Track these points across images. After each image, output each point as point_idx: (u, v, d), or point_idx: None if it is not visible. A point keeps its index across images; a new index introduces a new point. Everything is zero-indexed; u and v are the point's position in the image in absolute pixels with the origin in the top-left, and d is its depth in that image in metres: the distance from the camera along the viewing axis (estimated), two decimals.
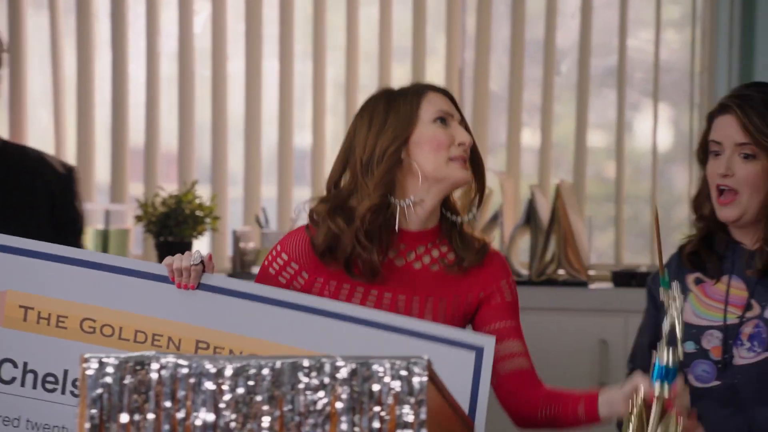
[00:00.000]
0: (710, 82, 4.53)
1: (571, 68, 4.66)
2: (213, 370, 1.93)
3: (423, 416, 1.87)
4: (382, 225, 2.57)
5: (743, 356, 2.72)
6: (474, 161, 2.62)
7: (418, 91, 2.62)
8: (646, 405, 2.46)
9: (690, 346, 2.73)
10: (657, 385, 2.43)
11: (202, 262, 2.50)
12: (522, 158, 4.67)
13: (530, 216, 4.46)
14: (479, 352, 2.47)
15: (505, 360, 2.58)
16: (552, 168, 4.67)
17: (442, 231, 2.63)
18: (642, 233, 4.69)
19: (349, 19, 4.67)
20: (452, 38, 4.66)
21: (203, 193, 4.60)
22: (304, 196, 4.75)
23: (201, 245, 4.71)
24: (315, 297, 2.54)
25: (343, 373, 1.90)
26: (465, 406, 2.45)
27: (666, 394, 2.44)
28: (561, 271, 4.41)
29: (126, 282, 2.56)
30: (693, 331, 2.75)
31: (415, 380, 1.88)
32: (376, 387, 1.89)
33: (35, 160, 3.30)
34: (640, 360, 2.84)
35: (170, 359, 1.92)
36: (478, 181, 2.64)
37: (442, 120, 2.60)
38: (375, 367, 1.89)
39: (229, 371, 1.93)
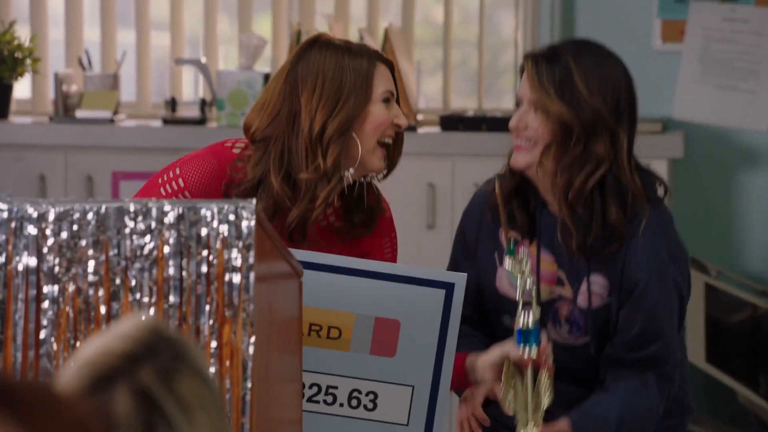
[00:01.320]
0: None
1: None
2: (35, 215, 1.89)
3: (251, 260, 1.87)
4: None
5: (563, 337, 2.69)
6: (396, 139, 2.58)
7: (370, 62, 2.53)
8: (519, 370, 2.51)
9: (508, 320, 2.68)
10: (524, 348, 2.48)
11: None
12: (351, 1, 4.63)
13: None
14: (449, 289, 2.47)
15: None
16: (381, 12, 4.64)
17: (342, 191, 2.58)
18: (470, 78, 4.71)
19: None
20: None
21: (22, 33, 4.46)
22: (128, 38, 4.64)
23: (21, 88, 4.58)
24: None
25: (170, 218, 1.88)
26: (434, 342, 2.46)
27: (534, 355, 2.48)
28: None
29: None
30: (509, 306, 2.65)
31: (243, 224, 1.87)
32: (203, 231, 1.87)
33: None
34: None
35: None
36: (391, 157, 2.59)
37: (388, 101, 2.54)
38: (203, 211, 1.88)
39: (51, 215, 1.89)
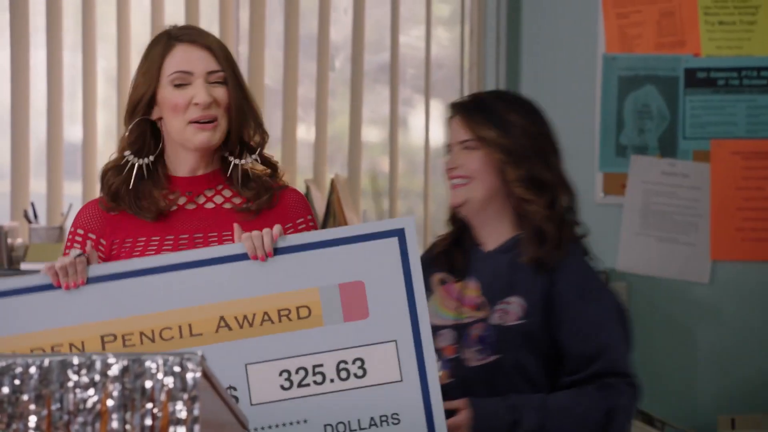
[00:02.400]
0: (479, 78, 4.63)
1: (345, 64, 4.69)
2: None
3: (196, 412, 1.85)
4: (125, 180, 2.61)
5: (472, 357, 2.81)
6: (241, 111, 2.61)
7: (167, 45, 2.62)
8: None
9: None
10: None
11: (82, 255, 2.44)
12: (298, 153, 4.68)
13: None
14: (401, 234, 2.48)
15: None
16: (327, 163, 4.69)
17: (223, 173, 2.65)
18: (416, 227, 4.75)
19: (119, 10, 4.59)
20: (226, 32, 4.63)
21: None
22: (74, 190, 4.65)
23: None
24: (207, 249, 2.49)
25: (114, 371, 1.86)
26: (402, 293, 2.46)
27: None
28: None
29: (8, 304, 2.46)
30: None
31: (189, 376, 1.86)
32: (148, 383, 1.86)
33: None
34: None
35: None
36: (247, 128, 2.64)
37: (181, 82, 2.59)
38: (147, 363, 1.86)
39: None
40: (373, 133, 4.77)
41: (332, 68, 4.69)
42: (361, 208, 4.65)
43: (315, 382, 2.46)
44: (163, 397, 1.85)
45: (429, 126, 4.69)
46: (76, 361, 1.87)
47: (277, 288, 2.46)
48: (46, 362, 1.87)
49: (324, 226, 4.43)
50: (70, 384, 1.86)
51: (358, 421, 2.45)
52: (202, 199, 2.65)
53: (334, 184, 4.44)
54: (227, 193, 2.66)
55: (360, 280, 2.48)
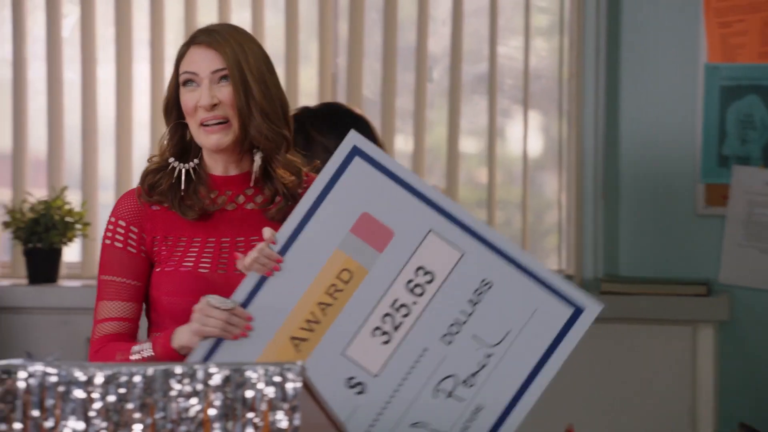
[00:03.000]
0: (578, 89, 4.60)
1: (442, 75, 4.70)
2: (83, 378, 1.90)
3: (297, 422, 1.86)
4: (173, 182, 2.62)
5: None
6: (244, 110, 2.58)
7: (183, 49, 2.63)
8: None
9: None
10: None
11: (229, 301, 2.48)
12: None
13: None
14: (577, 312, 2.46)
15: None
16: (426, 173, 4.70)
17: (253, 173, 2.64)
18: (513, 237, 4.74)
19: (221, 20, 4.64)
20: (325, 44, 4.66)
21: (73, 199, 4.53)
22: None
23: (71, 252, 4.64)
24: (239, 290, 2.49)
25: (216, 380, 1.88)
26: (534, 360, 2.45)
27: None
28: None
29: None
30: None
31: (289, 386, 1.88)
32: (249, 393, 1.88)
33: None
34: None
35: (38, 368, 1.89)
36: (257, 128, 2.59)
37: (189, 83, 2.59)
38: (248, 373, 1.88)
39: (99, 379, 1.90)
40: (470, 144, 4.77)
41: (430, 79, 4.70)
42: None
43: (403, 316, 2.46)
44: (264, 406, 1.87)
45: (527, 136, 4.68)
46: (178, 370, 1.89)
47: (309, 277, 2.46)
48: (150, 371, 1.90)
49: None
50: (173, 393, 1.89)
51: (461, 310, 2.46)
52: (241, 199, 2.63)
53: None
54: (267, 192, 2.64)
55: (363, 212, 2.49)
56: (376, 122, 4.69)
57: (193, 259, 2.57)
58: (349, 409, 2.44)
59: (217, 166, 2.63)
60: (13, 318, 4.39)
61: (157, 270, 2.58)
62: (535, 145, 4.74)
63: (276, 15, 4.67)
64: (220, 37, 2.60)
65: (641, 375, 4.37)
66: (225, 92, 2.58)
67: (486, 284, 2.48)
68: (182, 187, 2.58)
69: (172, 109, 2.62)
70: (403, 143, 4.71)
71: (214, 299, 2.44)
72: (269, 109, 2.59)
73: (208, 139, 2.58)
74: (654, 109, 4.43)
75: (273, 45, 4.64)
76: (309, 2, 4.66)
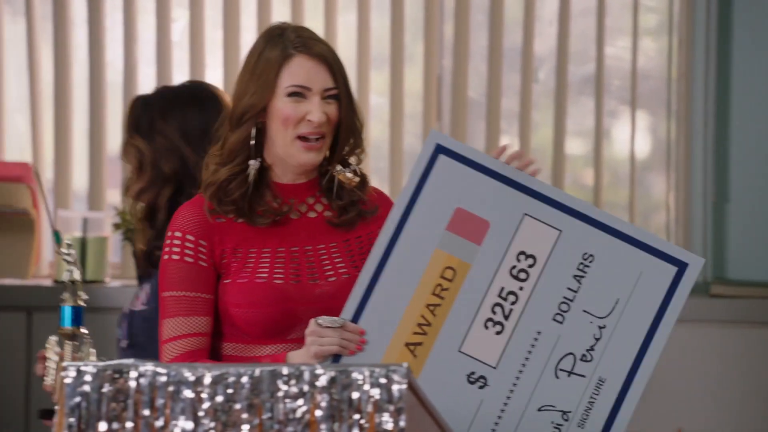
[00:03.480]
0: (687, 89, 4.55)
1: (549, 76, 4.67)
2: (192, 378, 1.92)
3: (402, 424, 1.87)
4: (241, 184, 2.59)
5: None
6: (348, 129, 2.57)
7: (284, 54, 2.57)
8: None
9: None
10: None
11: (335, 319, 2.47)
12: None
13: None
14: (682, 268, 2.48)
15: None
16: None
17: (320, 182, 2.61)
18: None
19: (327, 26, 4.67)
20: (430, 45, 4.66)
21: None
22: None
23: None
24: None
25: (322, 381, 1.89)
26: (647, 324, 2.46)
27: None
28: None
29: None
30: None
31: (395, 387, 1.88)
32: (355, 395, 1.89)
33: None
34: None
35: (149, 368, 1.92)
36: (345, 143, 2.58)
37: (297, 95, 2.55)
38: (354, 375, 1.89)
39: (208, 379, 1.92)
40: (576, 145, 4.74)
41: (536, 80, 4.68)
42: None
43: (512, 303, 2.47)
44: (369, 408, 1.88)
45: (635, 137, 4.63)
46: (285, 371, 1.91)
47: (414, 281, 2.47)
48: (257, 372, 1.91)
49: None
50: (280, 394, 1.90)
51: (567, 287, 2.46)
52: (304, 208, 2.60)
53: None
54: (325, 201, 2.62)
55: (456, 208, 2.48)
56: (481, 124, 4.68)
57: (266, 269, 2.54)
58: (475, 404, 2.44)
59: (285, 175, 2.61)
60: None
61: (227, 282, 2.56)
62: (643, 146, 4.69)
63: (382, 17, 4.68)
64: (326, 50, 2.59)
65: (751, 378, 4.31)
66: (332, 110, 2.56)
67: (588, 257, 2.47)
68: (250, 187, 2.56)
69: (256, 114, 2.57)
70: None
71: (323, 320, 2.44)
72: (361, 126, 2.62)
73: (305, 155, 2.56)
74: (766, 108, 4.36)
75: (378, 46, 4.66)
76: (415, 4, 4.66)
